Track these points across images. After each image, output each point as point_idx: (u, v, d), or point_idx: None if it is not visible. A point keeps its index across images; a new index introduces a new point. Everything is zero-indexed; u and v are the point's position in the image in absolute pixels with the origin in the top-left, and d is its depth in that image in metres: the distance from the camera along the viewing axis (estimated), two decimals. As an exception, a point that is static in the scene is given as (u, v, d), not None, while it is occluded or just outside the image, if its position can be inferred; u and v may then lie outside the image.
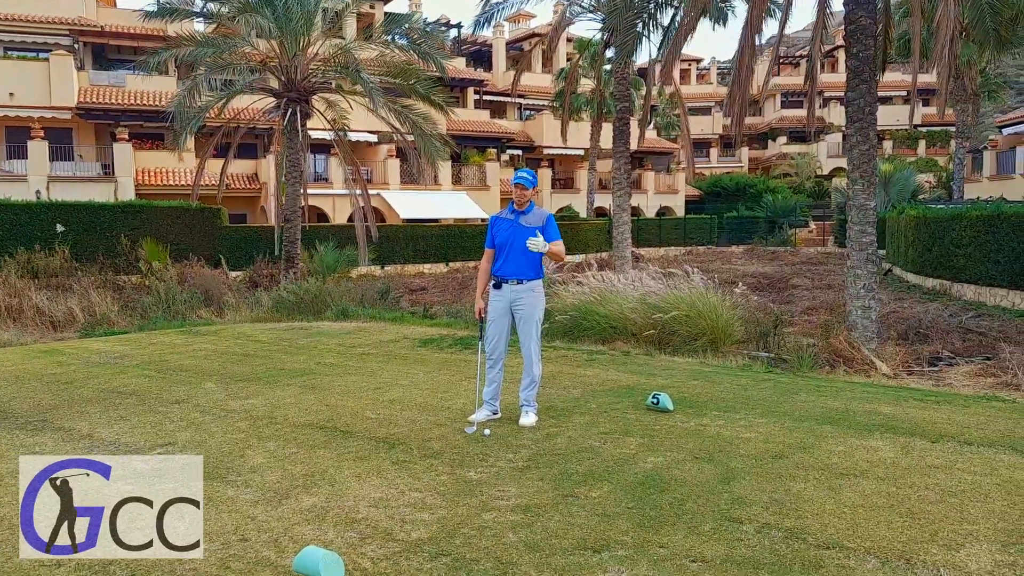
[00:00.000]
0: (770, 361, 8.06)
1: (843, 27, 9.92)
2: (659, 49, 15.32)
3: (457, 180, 36.94)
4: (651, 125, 55.62)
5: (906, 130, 62.18)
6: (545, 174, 43.44)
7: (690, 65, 69.30)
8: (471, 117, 40.68)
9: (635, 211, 44.46)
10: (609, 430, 5.24)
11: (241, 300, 12.79)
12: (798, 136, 65.98)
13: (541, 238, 5.23)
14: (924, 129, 62.62)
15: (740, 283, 9.18)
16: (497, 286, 5.46)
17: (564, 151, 44.75)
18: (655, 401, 5.74)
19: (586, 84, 40.32)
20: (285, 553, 3.37)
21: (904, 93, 64.27)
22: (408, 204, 33.32)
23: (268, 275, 16.04)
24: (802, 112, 67.61)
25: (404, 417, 5.68)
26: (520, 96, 45.71)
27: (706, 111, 67.10)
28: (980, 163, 33.99)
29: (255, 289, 14.98)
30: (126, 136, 27.60)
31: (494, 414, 5.59)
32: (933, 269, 18.83)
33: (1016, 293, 15.61)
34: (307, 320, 11.85)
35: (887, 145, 60.80)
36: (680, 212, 46.65)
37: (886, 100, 65.03)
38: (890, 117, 63.08)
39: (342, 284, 13.96)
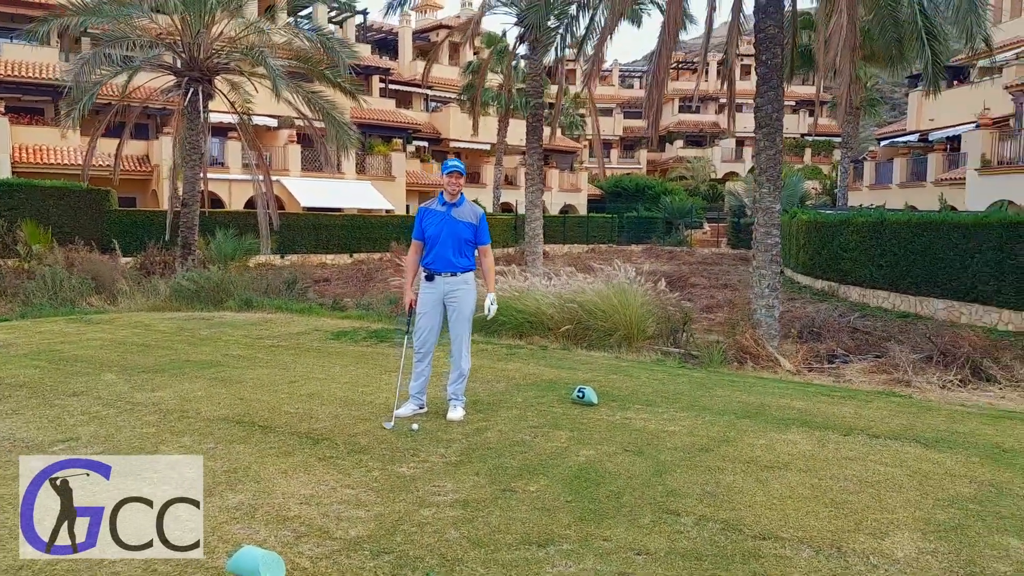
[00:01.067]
0: (682, 357, 8.28)
1: (752, 35, 10.29)
2: (577, 50, 15.42)
3: (361, 170, 36.24)
4: (555, 126, 56.28)
5: (794, 138, 65.41)
6: (451, 167, 43.23)
7: (593, 67, 70.38)
8: (377, 106, 40.00)
9: (539, 207, 44.99)
10: (538, 423, 5.24)
11: (136, 288, 12.08)
12: (694, 140, 68.37)
13: (495, 305, 5.44)
14: (810, 138, 66.01)
15: (660, 281, 9.39)
16: (429, 278, 5.36)
17: (471, 145, 44.70)
18: (580, 395, 5.78)
19: (493, 79, 40.41)
20: (216, 554, 3.18)
21: (793, 103, 67.58)
22: (310, 192, 32.44)
23: (162, 262, 15.23)
24: (698, 117, 70.15)
25: (325, 412, 5.50)
26: (427, 87, 45.37)
27: (607, 112, 68.36)
28: (861, 172, 36.12)
29: (148, 276, 14.20)
30: (2, 109, 25.63)
31: (420, 408, 5.49)
32: (823, 271, 19.87)
33: (896, 295, 16.68)
34: (207, 310, 11.33)
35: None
36: (583, 210, 47.45)
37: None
38: (780, 126, 65.95)
39: (244, 274, 13.42)
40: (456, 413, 5.36)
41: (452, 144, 44.75)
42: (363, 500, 3.83)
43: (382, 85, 42.54)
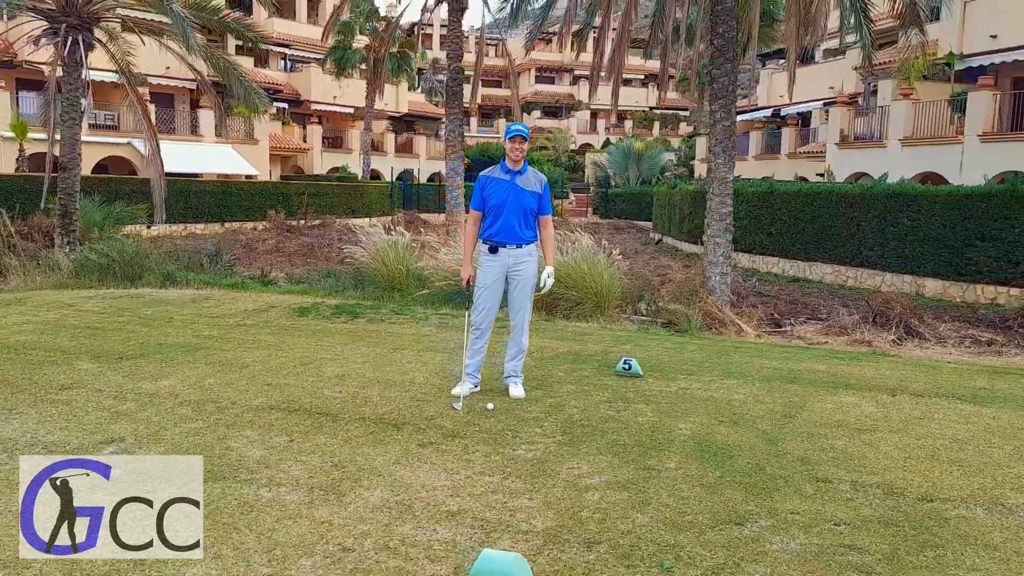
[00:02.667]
0: (662, 325, 8.43)
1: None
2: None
3: (221, 132, 33.91)
4: (418, 89, 55.35)
5: (643, 111, 68.02)
6: (315, 131, 41.49)
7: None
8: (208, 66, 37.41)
9: (407, 175, 44.14)
10: (607, 398, 5.15)
11: (29, 262, 10.62)
12: (551, 111, 69.46)
13: (551, 278, 5.13)
14: (659, 111, 68.75)
15: (615, 249, 9.46)
16: (493, 251, 5.07)
17: (334, 108, 43.03)
18: (627, 367, 5.74)
19: (361, 39, 38.92)
20: (416, 561, 2.89)
21: (642, 77, 70.12)
22: (165, 156, 29.91)
23: (41, 232, 13.51)
24: (555, 88, 71.22)
25: (374, 395, 5.12)
26: (284, 46, 43.04)
27: (467, 79, 67.91)
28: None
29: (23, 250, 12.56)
30: None
31: (475, 387, 5.24)
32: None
33: (785, 261, 17.85)
34: (123, 286, 10.21)
35: (628, 124, 66.13)
36: (449, 178, 47.04)
37: (628, 82, 70.68)
38: (630, 99, 68.58)
39: (161, 246, 12.16)
40: (519, 391, 5.16)
41: (314, 107, 42.82)
42: (513, 488, 3.60)
43: (238, 43, 39.84)
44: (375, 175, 40.25)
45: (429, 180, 45.06)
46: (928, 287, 14.43)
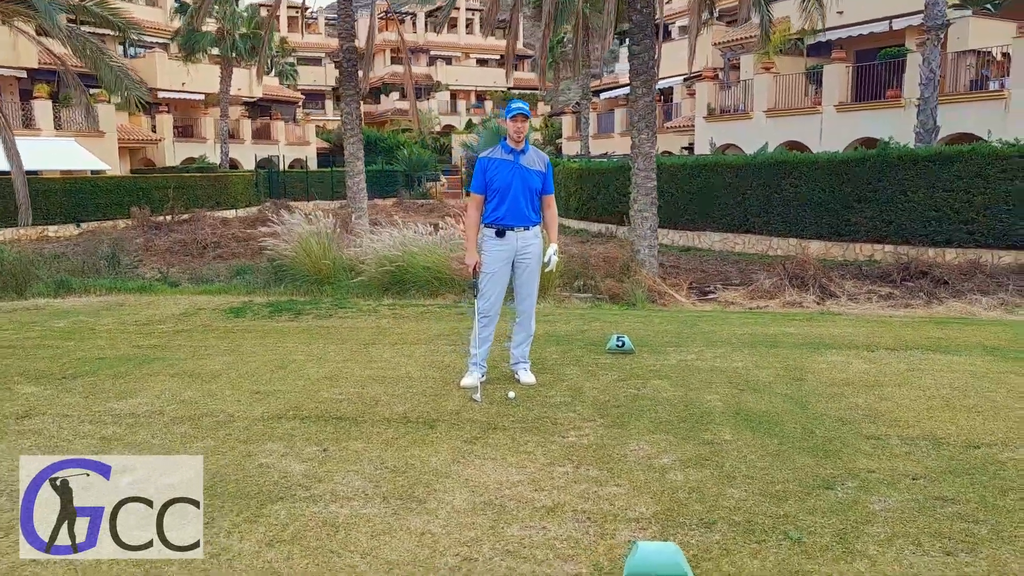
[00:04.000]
0: (611, 299, 8.51)
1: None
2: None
3: (60, 124, 30.99)
4: (270, 72, 52.89)
5: (503, 92, 68.36)
6: (165, 121, 38.80)
7: (298, 13, 67.28)
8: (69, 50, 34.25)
9: (267, 163, 42.20)
10: (619, 376, 5.12)
11: None
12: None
13: (556, 256, 4.99)
14: (515, 91, 69.28)
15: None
16: (501, 234, 4.88)
17: (184, 95, 40.29)
18: (620, 343, 5.74)
19: (208, 22, 36.59)
20: (548, 563, 2.75)
21: (498, 57, 70.51)
22: (-2, 153, 27.03)
23: None
24: (413, 69, 70.15)
25: (381, 393, 4.84)
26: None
27: (317, 61, 65.83)
28: (585, 122, 39.01)
29: None
30: None
31: (483, 376, 5.06)
32: (598, 215, 21.31)
33: (675, 232, 18.54)
34: (8, 297, 9.13)
35: (488, 105, 66.33)
36: (313, 164, 45.43)
37: (485, 63, 70.83)
38: (488, 79, 68.80)
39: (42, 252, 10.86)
40: (530, 376, 5.04)
41: (161, 95, 39.91)
42: (593, 476, 3.50)
43: (72, 27, 36.45)
44: (233, 164, 38.18)
45: (290, 167, 43.29)
46: (812, 248, 15.42)
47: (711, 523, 3.03)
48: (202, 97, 40.56)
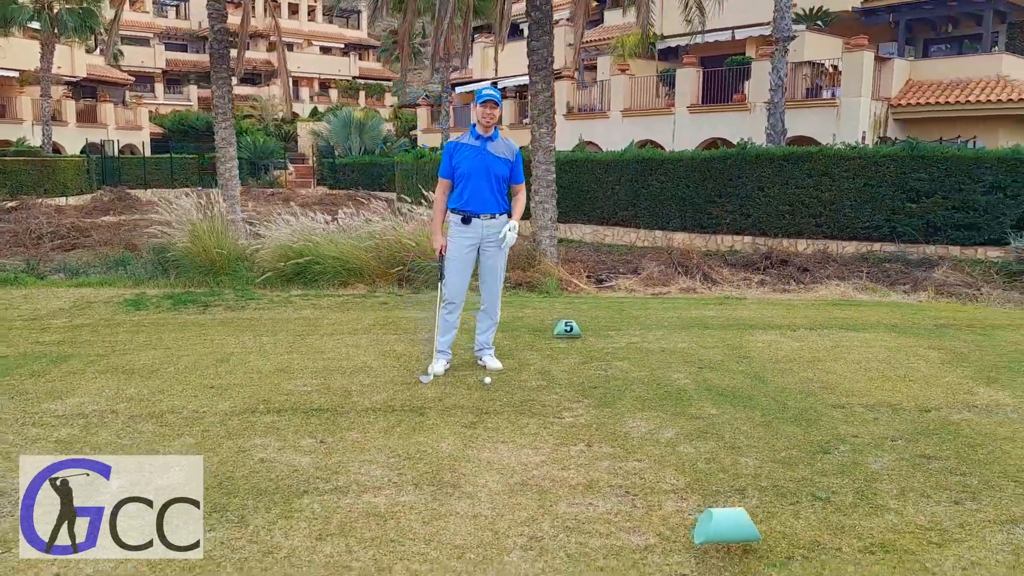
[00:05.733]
0: (528, 289, 8.63)
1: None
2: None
3: None
4: (96, 51, 48.72)
5: (347, 81, 66.82)
6: (-28, 99, 34.71)
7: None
8: None
9: (96, 148, 38.83)
10: (581, 359, 5.24)
11: None
12: (247, 78, 65.19)
13: (515, 231, 4.84)
14: (362, 81, 68.03)
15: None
16: (466, 221, 4.84)
17: (-8, 72, 36.22)
18: (568, 328, 5.86)
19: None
20: (615, 536, 2.82)
21: (342, 46, 68.90)
22: None
23: None
24: (250, 54, 66.97)
25: (349, 385, 4.67)
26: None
27: (145, 42, 61.46)
28: (438, 115, 38.98)
29: None
30: None
31: (448, 364, 5.01)
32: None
33: (574, 227, 18.97)
34: None
35: (333, 94, 64.57)
36: (146, 151, 42.33)
37: (328, 51, 68.83)
38: (332, 67, 66.97)
39: None
40: (496, 362, 5.04)
41: (-39, 71, 35.65)
42: (609, 452, 3.60)
43: None
44: (56, 149, 34.81)
45: (121, 152, 40.07)
46: (677, 240, 16.33)
47: (742, 490, 3.21)
48: (16, 74, 36.70)
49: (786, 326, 6.37)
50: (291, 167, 44.08)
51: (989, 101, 18.32)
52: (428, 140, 38.72)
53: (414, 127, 47.61)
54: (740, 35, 23.93)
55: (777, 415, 4.10)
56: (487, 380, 4.69)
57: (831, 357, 5.33)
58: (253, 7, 66.61)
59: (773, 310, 7.22)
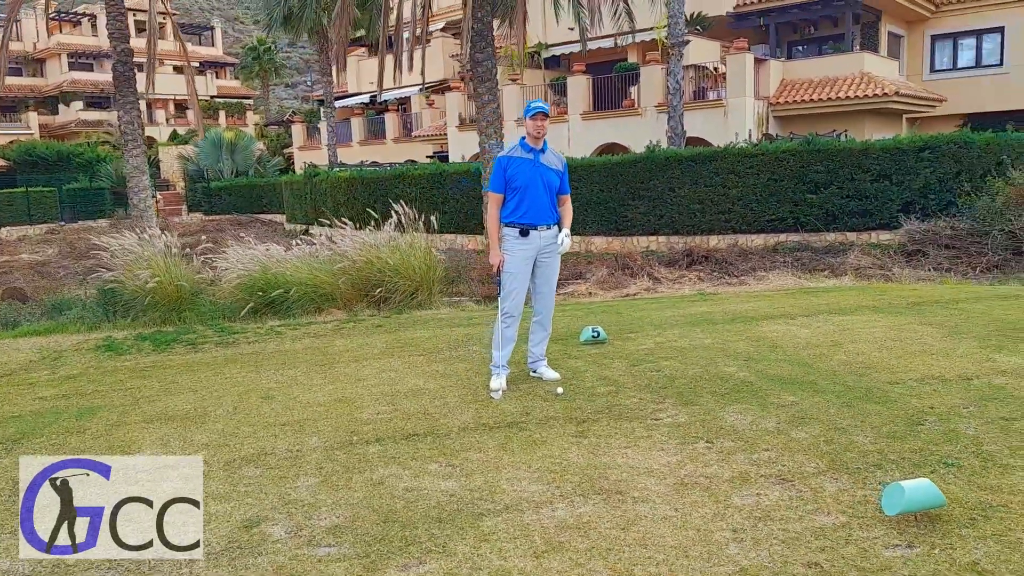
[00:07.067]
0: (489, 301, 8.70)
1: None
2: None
3: None
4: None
5: (206, 100, 64.00)
6: None
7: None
8: None
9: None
10: (630, 363, 5.39)
11: None
12: (95, 102, 61.15)
13: (569, 238, 5.03)
14: (221, 100, 65.50)
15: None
16: (524, 233, 4.90)
17: None
18: (596, 334, 6.02)
19: None
20: (810, 518, 3.01)
21: (198, 64, 65.99)
22: None
23: None
24: (96, 76, 62.92)
25: (421, 407, 4.63)
26: None
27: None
28: (315, 132, 38.15)
29: None
30: None
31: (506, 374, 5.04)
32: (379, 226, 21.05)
33: (462, 236, 19.04)
34: None
35: (191, 114, 61.66)
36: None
37: (181, 70, 65.66)
38: (184, 87, 63.87)
39: None
40: (552, 373, 5.12)
41: None
42: (730, 447, 3.77)
43: None
44: None
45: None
46: (595, 243, 16.85)
47: (880, 465, 3.47)
48: None
49: (783, 316, 6.80)
50: (158, 195, 41.69)
51: (856, 97, 20.04)
52: (308, 157, 37.70)
53: (286, 145, 46.28)
54: (622, 42, 24.93)
55: (849, 396, 4.42)
56: (559, 390, 4.77)
57: (848, 340, 5.76)
58: (94, 25, 62.73)
59: (756, 303, 7.67)
